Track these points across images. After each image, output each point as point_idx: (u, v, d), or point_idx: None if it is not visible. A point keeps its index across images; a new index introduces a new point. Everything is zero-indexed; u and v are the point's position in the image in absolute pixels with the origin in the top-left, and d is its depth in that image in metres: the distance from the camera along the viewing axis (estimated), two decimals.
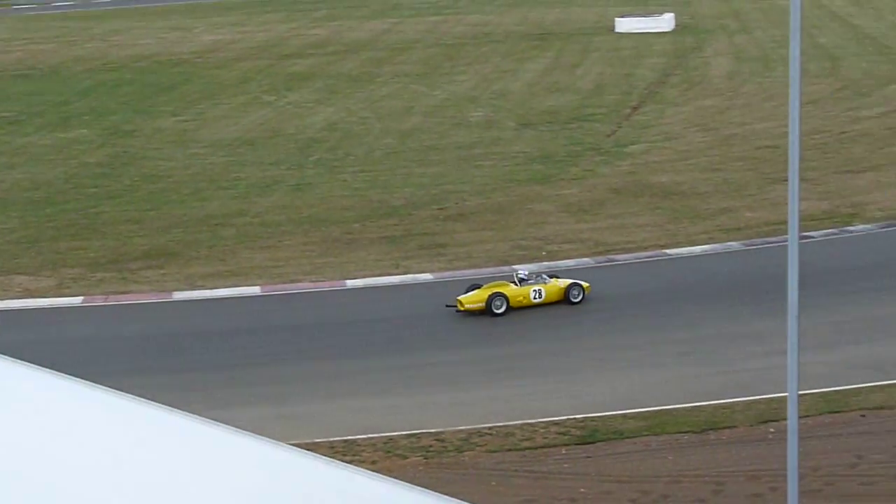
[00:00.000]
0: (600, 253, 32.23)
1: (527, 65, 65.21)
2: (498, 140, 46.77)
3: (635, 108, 51.90)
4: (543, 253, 32.30)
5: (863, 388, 22.83)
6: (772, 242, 31.18)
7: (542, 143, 46.00)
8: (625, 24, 76.65)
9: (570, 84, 58.60)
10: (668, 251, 32.12)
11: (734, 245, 32.48)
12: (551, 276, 28.77)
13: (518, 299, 27.94)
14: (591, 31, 77.83)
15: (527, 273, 28.70)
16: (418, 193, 38.95)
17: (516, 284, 28.14)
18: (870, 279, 29.34)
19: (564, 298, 28.11)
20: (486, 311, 27.64)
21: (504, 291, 27.84)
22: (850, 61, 61.21)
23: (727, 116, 49.50)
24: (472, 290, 28.12)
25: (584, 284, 28.41)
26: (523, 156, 43.83)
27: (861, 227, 33.45)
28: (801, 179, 36.67)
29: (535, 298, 28.02)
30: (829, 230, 33.29)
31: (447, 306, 28.12)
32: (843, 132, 45.46)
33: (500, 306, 27.67)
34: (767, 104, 50.56)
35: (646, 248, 32.40)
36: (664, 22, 77.08)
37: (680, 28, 76.89)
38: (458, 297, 27.95)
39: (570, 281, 28.56)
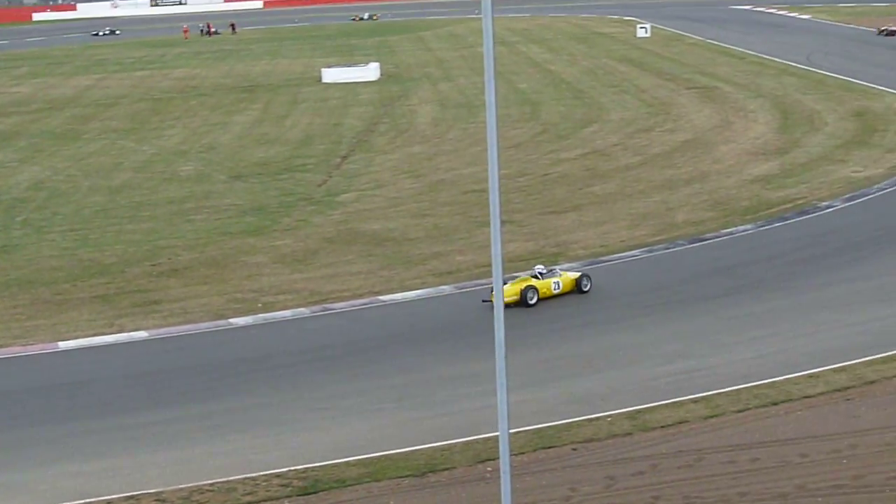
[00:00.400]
0: (316, 302, 32.39)
1: (235, 117, 65.12)
2: (210, 193, 46.50)
3: (345, 158, 52.46)
4: (259, 305, 32.26)
5: (573, 422, 23.63)
6: (482, 284, 32.00)
7: (253, 195, 45.97)
8: (331, 75, 77.60)
9: (279, 135, 58.81)
10: (382, 297, 32.55)
11: (446, 288, 33.17)
12: (562, 270, 32.24)
13: (544, 290, 31.17)
14: (299, 82, 78.40)
15: (544, 268, 31.87)
16: (130, 250, 38.30)
17: (538, 278, 31.33)
18: (575, 316, 30.48)
19: (576, 288, 31.62)
20: (521, 303, 30.59)
21: (534, 284, 31.07)
22: (549, 106, 63.56)
23: (435, 162, 50.60)
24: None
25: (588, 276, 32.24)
26: (235, 208, 43.70)
27: (565, 265, 34.68)
28: (508, 221, 38.11)
29: (555, 290, 31.42)
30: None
31: (483, 301, 29.95)
32: (546, 174, 47.11)
33: (532, 297, 30.91)
34: (473, 149, 51.92)
35: (360, 296, 32.76)
36: (370, 71, 78.39)
37: (386, 77, 78.30)
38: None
39: (580, 273, 32.29)
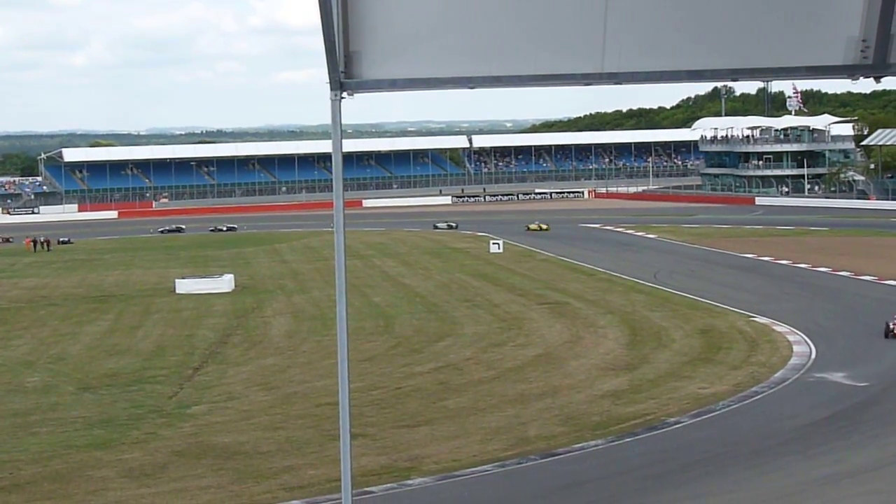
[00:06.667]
0: None
1: (86, 328, 64.27)
2: (56, 405, 45.51)
3: (197, 369, 51.98)
4: None
5: None
6: (333, 498, 31.65)
7: (102, 407, 45.13)
8: (185, 286, 77.40)
9: (130, 346, 58.13)
10: None
11: (296, 503, 32.73)
12: None
13: None
14: (152, 292, 77.94)
15: None
16: None
17: None
18: None
19: None
20: None
21: None
22: (403, 319, 64.04)
23: (288, 375, 50.38)
24: None
25: None
26: (83, 420, 42.81)
27: (418, 480, 34.54)
28: (360, 435, 37.88)
29: None
30: (389, 484, 34.19)
31: None
32: (399, 388, 47.19)
33: None
34: (326, 362, 51.90)
35: None
36: (224, 283, 78.42)
37: (240, 289, 78.33)
38: None
39: None
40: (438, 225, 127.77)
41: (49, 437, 40.62)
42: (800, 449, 36.79)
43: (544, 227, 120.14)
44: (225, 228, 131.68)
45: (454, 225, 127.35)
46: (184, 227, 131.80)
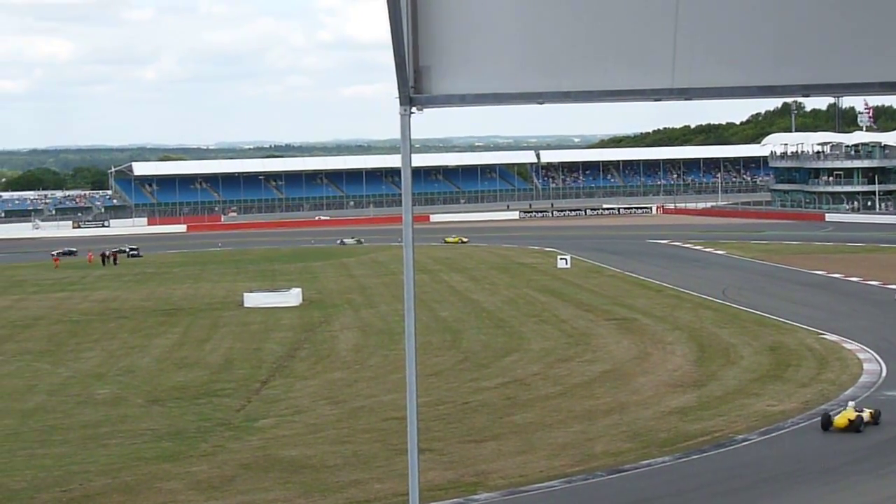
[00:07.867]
0: None
1: (155, 340, 64.84)
2: (125, 418, 45.92)
3: (265, 383, 52.24)
4: None
5: None
6: None
7: (171, 419, 45.47)
8: (253, 299, 77.87)
9: (199, 359, 58.55)
10: None
11: None
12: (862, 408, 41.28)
13: (867, 419, 40.26)
14: (220, 306, 78.50)
15: (855, 404, 41.02)
16: (40, 476, 37.52)
17: (860, 412, 40.36)
18: None
19: (873, 420, 40.48)
20: (851, 429, 39.68)
21: (862, 415, 40.03)
22: (470, 334, 63.99)
23: (355, 389, 50.50)
24: (827, 420, 40.28)
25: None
26: (151, 433, 43.15)
27: (485, 495, 34.47)
28: (427, 450, 37.97)
29: (866, 419, 40.23)
30: (455, 499, 34.14)
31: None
32: (466, 402, 47.14)
33: (860, 424, 39.65)
34: (393, 376, 51.97)
35: None
36: (292, 297, 78.84)
37: (307, 303, 78.67)
38: (834, 420, 40.02)
39: (874, 410, 41.11)
40: (346, 241, 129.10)
41: (118, 448, 40.98)
42: (871, 468, 36.32)
43: (464, 239, 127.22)
44: (128, 250, 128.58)
45: (361, 241, 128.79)
46: (75, 249, 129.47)
